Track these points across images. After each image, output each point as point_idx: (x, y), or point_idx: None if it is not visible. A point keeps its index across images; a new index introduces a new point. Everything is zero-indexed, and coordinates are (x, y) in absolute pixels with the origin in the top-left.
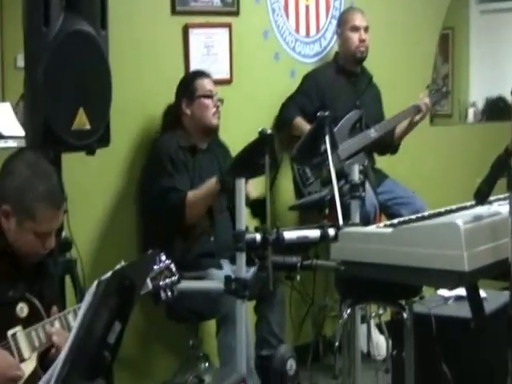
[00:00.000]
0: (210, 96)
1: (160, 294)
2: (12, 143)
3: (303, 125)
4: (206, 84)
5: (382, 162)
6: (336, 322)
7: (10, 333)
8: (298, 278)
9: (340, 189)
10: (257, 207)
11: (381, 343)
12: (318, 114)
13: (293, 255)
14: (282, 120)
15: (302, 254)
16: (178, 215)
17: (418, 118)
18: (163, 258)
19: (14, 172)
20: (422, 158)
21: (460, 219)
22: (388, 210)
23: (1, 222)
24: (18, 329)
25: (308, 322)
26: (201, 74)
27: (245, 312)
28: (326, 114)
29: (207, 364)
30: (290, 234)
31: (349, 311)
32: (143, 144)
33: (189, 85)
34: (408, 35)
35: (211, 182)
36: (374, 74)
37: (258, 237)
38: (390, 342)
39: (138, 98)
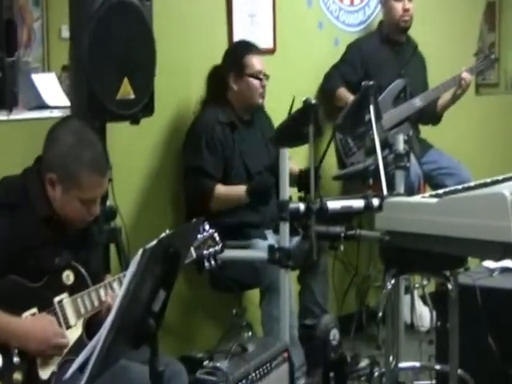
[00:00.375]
0: (258, 77)
1: (204, 263)
2: (57, 113)
3: (346, 95)
4: (256, 63)
5: (426, 131)
6: (379, 292)
7: (56, 300)
8: (342, 247)
9: (384, 159)
10: (302, 182)
11: (424, 314)
12: (363, 83)
13: (336, 225)
14: (325, 90)
15: (345, 224)
16: (201, 201)
17: (459, 92)
18: (207, 227)
19: (59, 140)
20: (467, 127)
21: (507, 189)
22: (432, 181)
23: (47, 190)
24: (64, 296)
25: (351, 292)
26: (252, 49)
27: (288, 281)
28: (371, 83)
29: (250, 333)
30: (333, 204)
31: (393, 282)
32: (186, 113)
33: (239, 60)
34: (454, 3)
35: (241, 190)
36: (420, 42)
37: (302, 206)
38: (434, 313)
39: (181, 67)
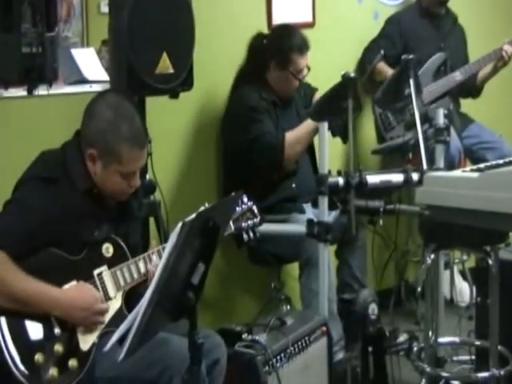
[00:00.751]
0: (298, 78)
1: (242, 236)
2: (96, 88)
3: (385, 69)
4: (300, 63)
5: (467, 106)
6: (419, 267)
7: (95, 272)
8: (381, 222)
9: (424, 133)
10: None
11: (464, 290)
12: (403, 57)
13: (375, 199)
14: (364, 64)
15: (384, 199)
16: (276, 156)
17: (500, 64)
18: (245, 199)
19: (97, 115)
20: (509, 101)
21: None
22: (473, 155)
23: (87, 165)
24: (103, 268)
25: (390, 267)
26: (302, 49)
27: (327, 256)
28: (411, 57)
29: (289, 306)
30: (372, 178)
31: (432, 257)
32: (225, 88)
33: (285, 53)
34: None
35: (310, 123)
36: (459, 14)
37: (341, 180)
38: (474, 288)
39: (220, 41)
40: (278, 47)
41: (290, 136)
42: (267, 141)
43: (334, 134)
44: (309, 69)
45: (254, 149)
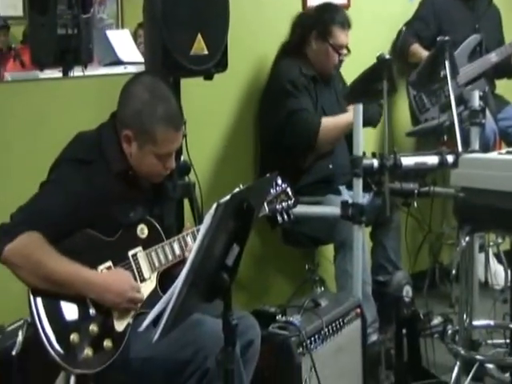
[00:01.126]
0: (338, 51)
1: (277, 217)
2: (131, 69)
3: (420, 51)
4: (341, 37)
5: (503, 88)
6: (453, 249)
7: (130, 253)
8: (415, 204)
9: (459, 115)
10: None
11: (499, 272)
12: (438, 38)
13: (410, 182)
14: (399, 46)
15: (419, 181)
16: (310, 137)
17: None
18: (280, 181)
19: (133, 96)
20: None
21: None
22: (508, 137)
23: (123, 146)
24: (138, 249)
25: (424, 249)
26: (343, 23)
27: (361, 237)
28: (446, 38)
29: (323, 288)
30: (407, 160)
31: (467, 239)
32: (261, 69)
33: (326, 25)
34: None
35: (348, 117)
36: None
37: (376, 162)
38: (509, 271)
39: (255, 23)
40: (319, 19)
41: (327, 122)
42: (304, 118)
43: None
44: (349, 50)
45: (288, 124)
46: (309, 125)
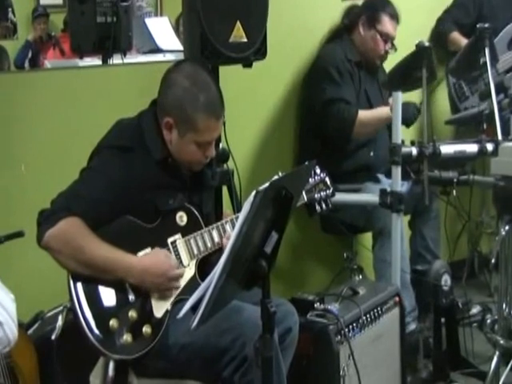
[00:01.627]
0: (385, 39)
1: (315, 207)
2: (170, 57)
3: (459, 39)
4: (389, 26)
5: None
6: (492, 239)
7: (169, 240)
8: (454, 193)
9: (499, 103)
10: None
11: None
12: (478, 25)
13: (449, 170)
14: (438, 34)
15: (458, 169)
16: (345, 129)
17: None
18: (318, 171)
19: (174, 84)
20: None
21: None
22: None
23: (163, 133)
24: (177, 236)
25: (463, 238)
26: (393, 14)
27: (400, 226)
28: (486, 25)
29: (361, 276)
30: (446, 148)
31: (507, 228)
32: (301, 56)
33: (375, 11)
34: None
35: (384, 112)
36: None
37: (414, 150)
38: None
39: (295, 10)
40: (370, 5)
41: (364, 115)
42: (341, 109)
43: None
44: (395, 47)
45: (327, 112)
46: (345, 117)
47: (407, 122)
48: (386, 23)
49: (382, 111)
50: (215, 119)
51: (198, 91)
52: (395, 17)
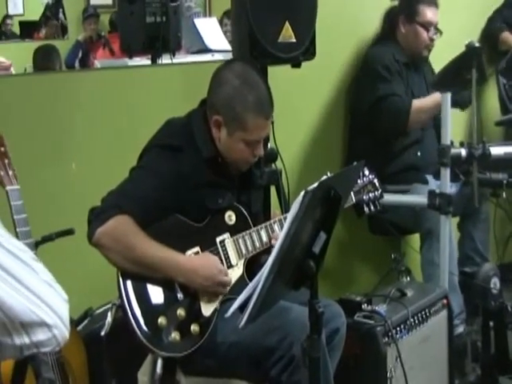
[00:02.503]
0: (427, 28)
1: (363, 208)
2: (218, 57)
3: (510, 39)
4: (428, 14)
5: None
6: None
7: (218, 239)
8: (504, 195)
9: None
10: None
11: None
12: None
13: (499, 171)
14: (488, 34)
15: (508, 171)
16: (401, 120)
17: None
18: (367, 172)
19: (225, 83)
20: None
21: None
22: None
23: (212, 132)
24: (226, 236)
25: None
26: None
27: (448, 228)
28: None
29: (409, 278)
30: (496, 150)
31: None
32: (350, 57)
33: (412, 5)
34: None
35: (439, 96)
36: None
37: (464, 152)
38: None
39: (343, 10)
40: (405, 2)
41: (417, 103)
42: (394, 102)
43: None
44: (439, 31)
45: (380, 108)
46: (400, 109)
47: (462, 104)
48: (425, 12)
49: (433, 97)
50: (264, 118)
51: (248, 90)
52: (432, 2)
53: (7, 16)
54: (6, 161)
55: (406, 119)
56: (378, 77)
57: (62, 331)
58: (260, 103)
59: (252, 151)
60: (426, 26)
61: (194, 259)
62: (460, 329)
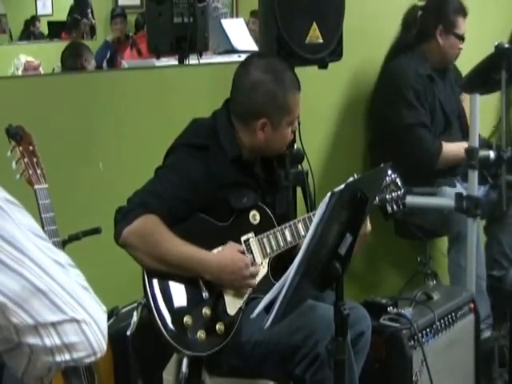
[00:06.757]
0: (462, 39)
1: (386, 207)
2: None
3: None
4: (463, 27)
5: None
6: None
7: (243, 239)
8: None
9: None
10: None
11: None
12: None
13: None
14: None
15: None
16: (429, 162)
17: None
18: (389, 171)
19: (260, 84)
20: None
21: None
22: None
23: (256, 135)
24: (250, 235)
25: None
26: (464, 12)
27: (476, 231)
28: None
29: (435, 281)
30: None
31: None
32: (376, 58)
33: (452, 17)
34: None
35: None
36: None
37: (492, 154)
38: None
39: (370, 11)
40: (443, 11)
41: (448, 149)
42: (421, 136)
43: None
44: (463, 40)
45: (405, 140)
46: (428, 148)
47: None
48: (462, 24)
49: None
50: (299, 92)
51: (281, 78)
52: (466, 13)
53: (35, 17)
54: (35, 160)
55: (435, 161)
56: (402, 99)
57: (100, 341)
58: (293, 81)
59: (291, 130)
60: (461, 37)
61: (220, 255)
62: (487, 333)
